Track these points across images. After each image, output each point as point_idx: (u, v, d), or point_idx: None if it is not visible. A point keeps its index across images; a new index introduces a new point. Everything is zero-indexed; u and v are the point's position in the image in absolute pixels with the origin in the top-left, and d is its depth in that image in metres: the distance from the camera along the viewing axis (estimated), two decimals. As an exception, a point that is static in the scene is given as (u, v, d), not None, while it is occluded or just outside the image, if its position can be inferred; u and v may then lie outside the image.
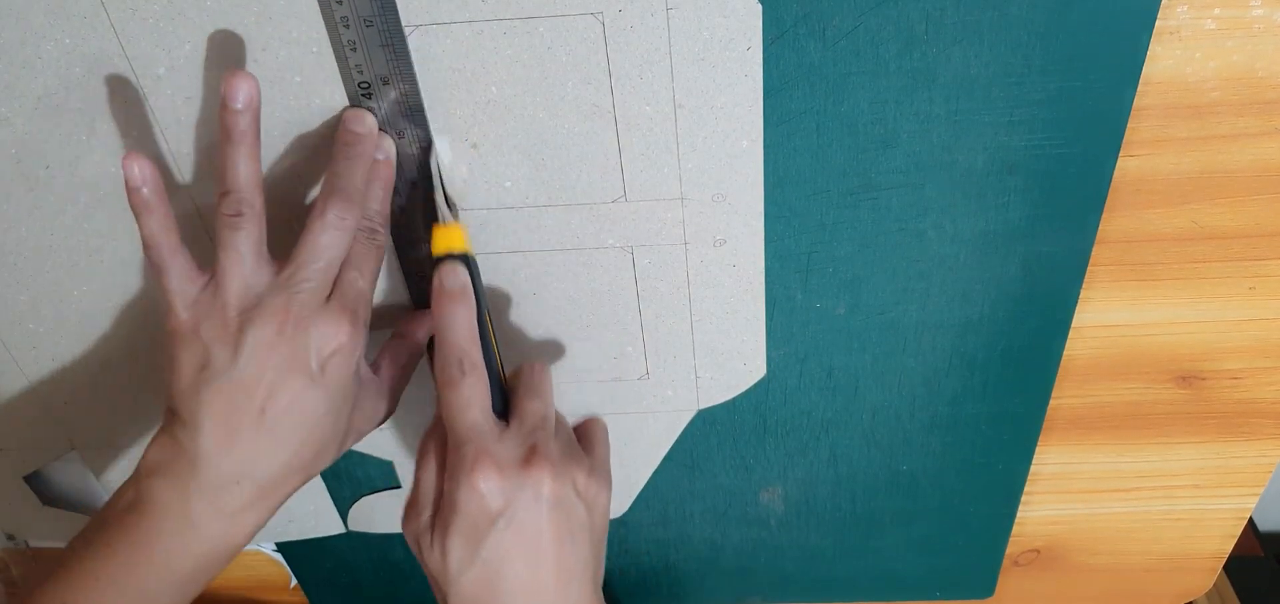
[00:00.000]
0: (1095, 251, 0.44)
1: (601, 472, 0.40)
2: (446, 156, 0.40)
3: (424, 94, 0.39)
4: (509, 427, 0.38)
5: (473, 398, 0.37)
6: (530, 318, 0.46)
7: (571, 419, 0.45)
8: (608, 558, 0.58)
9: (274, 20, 0.36)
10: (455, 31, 0.37)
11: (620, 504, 0.56)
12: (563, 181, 0.41)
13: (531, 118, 0.39)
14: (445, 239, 0.40)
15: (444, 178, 0.40)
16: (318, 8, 0.36)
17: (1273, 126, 0.41)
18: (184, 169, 0.41)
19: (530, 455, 0.37)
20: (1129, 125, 0.40)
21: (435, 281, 0.39)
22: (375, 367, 0.42)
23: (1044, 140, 0.40)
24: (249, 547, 0.58)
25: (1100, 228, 0.43)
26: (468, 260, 0.40)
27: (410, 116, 0.39)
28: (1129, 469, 0.55)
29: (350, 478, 0.55)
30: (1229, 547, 0.60)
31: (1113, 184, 0.42)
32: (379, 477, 0.55)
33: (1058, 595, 0.63)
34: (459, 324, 0.38)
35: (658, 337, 0.47)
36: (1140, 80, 0.39)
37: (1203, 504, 0.57)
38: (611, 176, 0.41)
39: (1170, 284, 0.47)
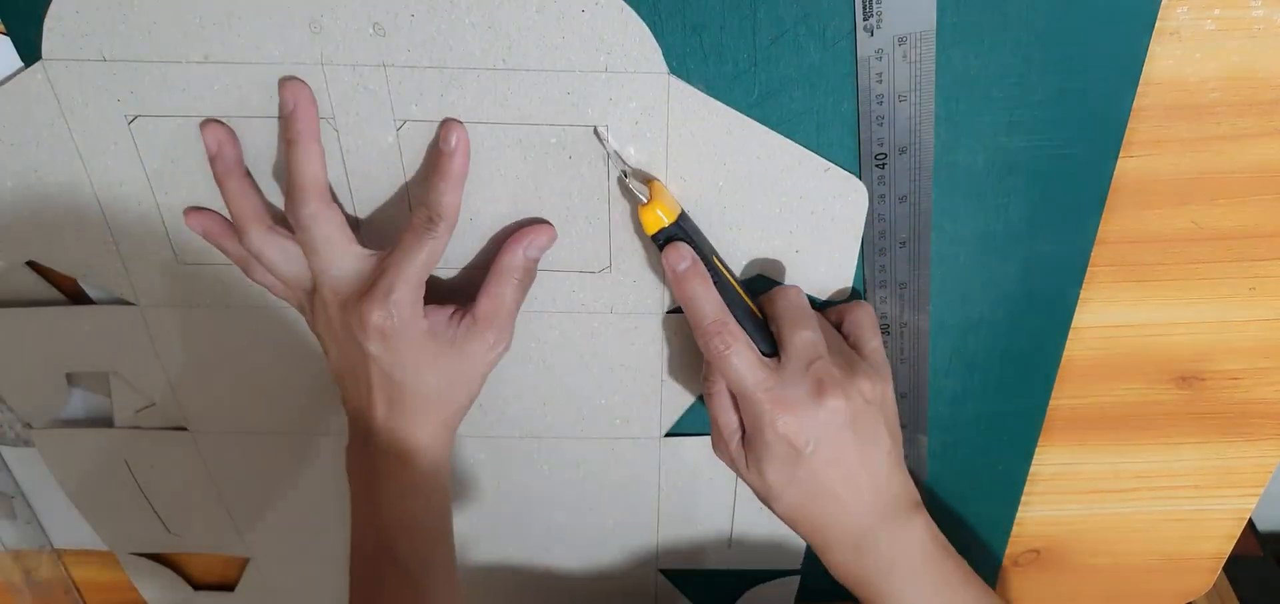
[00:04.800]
0: (1095, 252, 0.44)
1: (879, 366, 0.42)
2: (611, 139, 0.39)
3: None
4: (784, 364, 0.40)
5: (744, 361, 0.40)
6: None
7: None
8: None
9: None
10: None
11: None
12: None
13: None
14: (653, 217, 0.39)
15: (623, 156, 0.40)
16: None
17: (1273, 126, 0.41)
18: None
19: (818, 388, 0.39)
20: (1129, 125, 0.40)
21: (666, 268, 0.40)
22: (474, 306, 0.42)
23: (1044, 141, 0.40)
24: (249, 547, 0.58)
25: (1100, 228, 0.43)
26: (680, 223, 0.40)
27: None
28: (1129, 469, 0.55)
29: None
30: (1229, 547, 0.60)
31: (1113, 184, 0.42)
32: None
33: (1057, 596, 0.63)
34: (703, 301, 0.40)
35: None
36: (1140, 80, 0.39)
37: (1203, 504, 0.57)
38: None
39: (1170, 284, 0.47)
